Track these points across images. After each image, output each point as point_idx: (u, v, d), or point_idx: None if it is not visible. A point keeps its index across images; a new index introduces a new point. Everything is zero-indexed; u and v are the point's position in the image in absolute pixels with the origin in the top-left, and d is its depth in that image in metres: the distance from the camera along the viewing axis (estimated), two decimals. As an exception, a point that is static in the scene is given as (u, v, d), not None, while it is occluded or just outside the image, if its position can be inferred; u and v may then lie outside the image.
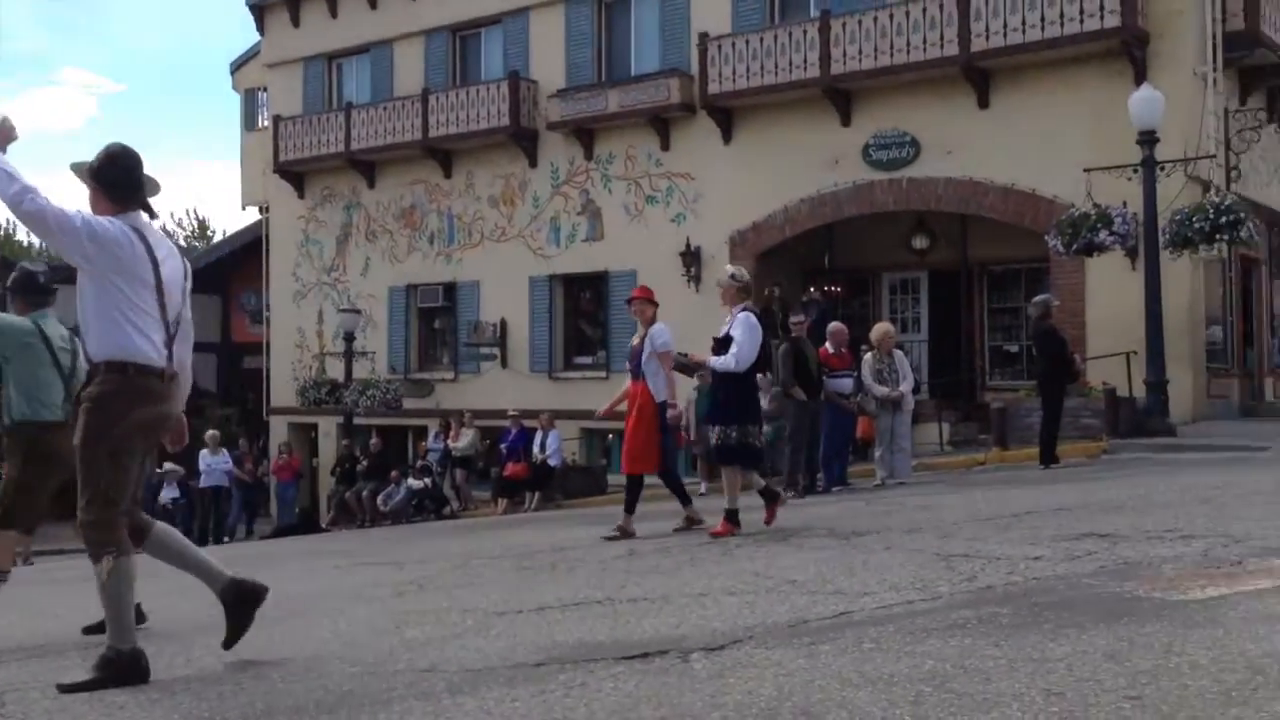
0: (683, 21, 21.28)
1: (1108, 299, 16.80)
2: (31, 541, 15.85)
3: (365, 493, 21.12)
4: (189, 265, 4.73)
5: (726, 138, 20.78)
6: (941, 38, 18.03)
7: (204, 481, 21.38)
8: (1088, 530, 6.62)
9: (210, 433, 22.47)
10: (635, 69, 22.15)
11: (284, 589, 7.54)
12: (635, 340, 9.31)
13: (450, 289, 24.73)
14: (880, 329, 13.61)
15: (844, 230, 20.59)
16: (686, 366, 9.01)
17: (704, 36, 20.39)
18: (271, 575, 8.90)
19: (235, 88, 31.35)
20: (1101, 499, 8.54)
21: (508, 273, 23.44)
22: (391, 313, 25.53)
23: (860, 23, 18.79)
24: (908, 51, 18.34)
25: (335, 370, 24.88)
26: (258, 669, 4.55)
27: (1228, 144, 17.56)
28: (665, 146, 21.54)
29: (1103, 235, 15.44)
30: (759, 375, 16.21)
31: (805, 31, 19.36)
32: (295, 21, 27.19)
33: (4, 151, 4.32)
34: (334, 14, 26.38)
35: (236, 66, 31.17)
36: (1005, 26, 17.50)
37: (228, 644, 4.65)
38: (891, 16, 18.48)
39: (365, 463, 21.82)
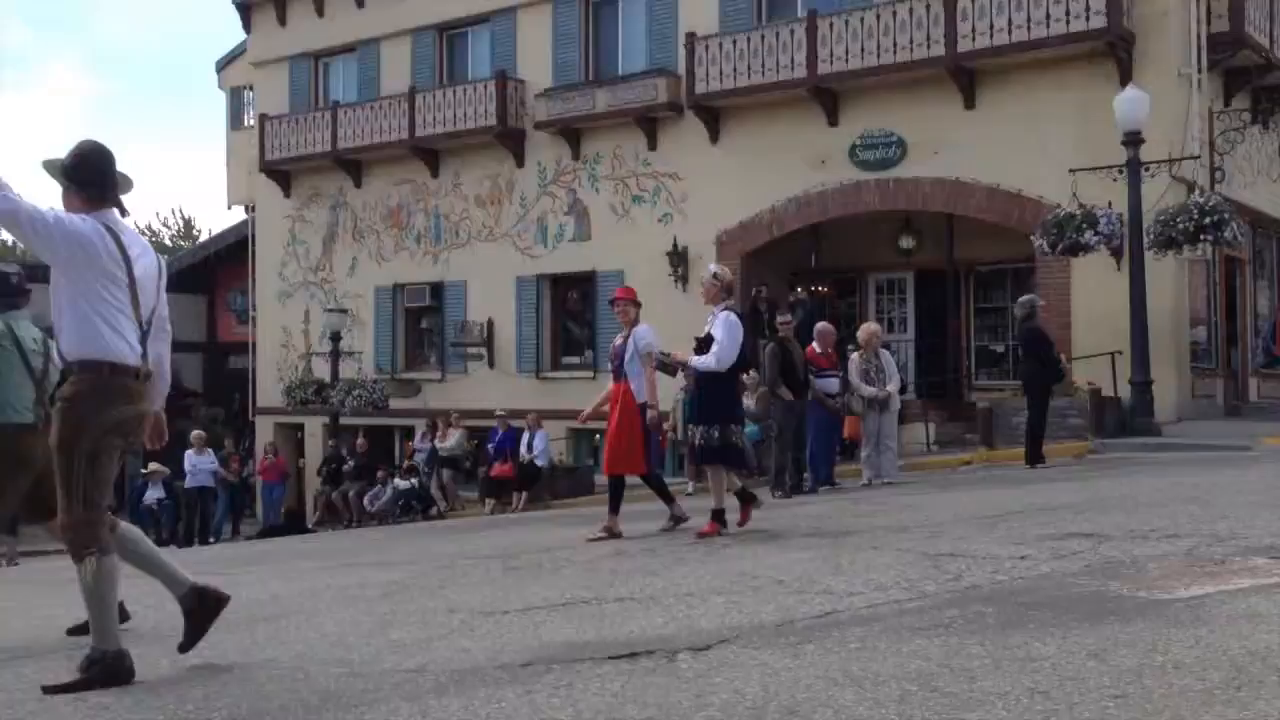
0: (670, 21, 21.29)
1: (1093, 299, 16.86)
2: (17, 543, 15.81)
3: (351, 493, 21.09)
4: (164, 262, 4.71)
5: (714, 138, 20.79)
6: (928, 38, 18.07)
7: (189, 482, 21.29)
8: (1073, 529, 6.65)
9: (196, 433, 22.39)
10: (622, 69, 22.15)
11: (270, 590, 7.52)
12: (618, 340, 9.31)
13: (437, 289, 24.69)
14: (867, 329, 13.65)
15: (831, 230, 20.61)
16: (668, 366, 9.00)
17: (691, 36, 20.40)
18: (257, 576, 8.89)
19: (221, 86, 31.27)
20: (1087, 498, 8.57)
21: (495, 272, 23.42)
22: (378, 312, 25.48)
23: (847, 23, 18.82)
24: (894, 52, 18.37)
25: (322, 370, 24.83)
26: (243, 670, 4.54)
27: (1212, 145, 17.64)
28: (652, 146, 21.55)
29: (1088, 235, 15.50)
30: (746, 375, 16.26)
31: (792, 31, 19.38)
32: (282, 20, 27.12)
33: None
34: (320, 13, 26.31)
35: (222, 65, 31.09)
36: (991, 27, 17.55)
37: (184, 648, 4.62)
38: (878, 17, 18.52)
39: (352, 463, 21.79)
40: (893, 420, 13.23)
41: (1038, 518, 7.49)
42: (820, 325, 13.73)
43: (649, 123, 21.41)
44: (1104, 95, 16.13)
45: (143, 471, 21.40)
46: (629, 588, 5.97)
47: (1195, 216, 14.99)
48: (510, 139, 23.06)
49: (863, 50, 18.59)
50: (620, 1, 22.26)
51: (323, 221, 26.46)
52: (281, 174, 26.83)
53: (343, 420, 23.61)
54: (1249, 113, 18.66)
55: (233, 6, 27.95)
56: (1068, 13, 16.91)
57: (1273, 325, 14.69)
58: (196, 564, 11.40)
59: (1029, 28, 17.26)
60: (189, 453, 21.33)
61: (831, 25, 18.94)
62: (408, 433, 24.02)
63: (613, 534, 8.84)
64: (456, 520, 17.95)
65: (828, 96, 19.38)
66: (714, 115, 20.66)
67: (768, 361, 12.58)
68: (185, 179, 72.88)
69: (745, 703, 3.39)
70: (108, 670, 4.26)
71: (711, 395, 8.51)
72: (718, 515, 8.36)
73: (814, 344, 13.20)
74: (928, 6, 18.02)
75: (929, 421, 17.74)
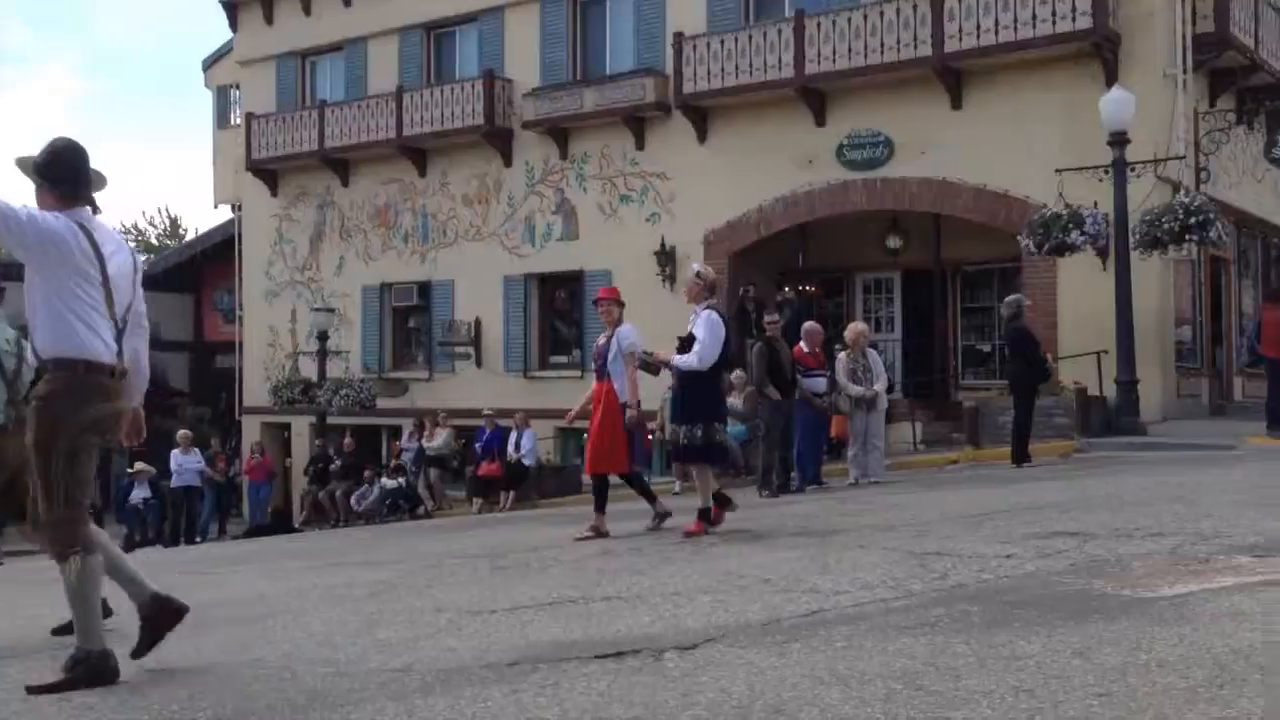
0: (658, 21, 21.29)
1: (1079, 299, 16.91)
2: (3, 543, 15.72)
3: (339, 493, 21.05)
4: (139, 258, 4.69)
5: (701, 137, 20.80)
6: (915, 38, 18.11)
7: (175, 481, 21.22)
8: (1059, 528, 6.67)
9: (182, 432, 22.31)
10: (610, 68, 22.15)
11: (256, 589, 7.51)
12: (601, 340, 9.32)
13: (425, 288, 24.65)
14: (854, 328, 13.67)
15: (818, 230, 20.65)
16: (650, 365, 9.01)
17: (679, 36, 20.41)
18: (243, 576, 8.87)
19: (208, 85, 31.17)
20: (1072, 497, 8.60)
21: (482, 272, 23.39)
22: (365, 312, 25.43)
23: (834, 23, 18.85)
24: (882, 52, 18.40)
25: (309, 369, 24.75)
26: (229, 669, 4.53)
27: (1197, 145, 17.71)
28: (640, 146, 21.55)
29: (1074, 235, 15.55)
30: (734, 374, 16.25)
31: (780, 32, 19.40)
32: (269, 19, 27.04)
33: None
34: (308, 11, 26.24)
35: (209, 64, 31.00)
36: (978, 28, 17.60)
37: (136, 654, 4.54)
38: (865, 17, 18.55)
39: (339, 462, 21.74)
40: (880, 419, 13.25)
41: (1023, 517, 7.51)
42: (807, 325, 13.74)
43: (637, 122, 21.41)
44: (1090, 96, 16.19)
45: (128, 471, 21.33)
46: (616, 587, 5.97)
47: (1180, 216, 15.05)
48: (498, 138, 23.04)
49: (850, 50, 18.62)
50: (608, 1, 22.26)
51: (310, 221, 26.39)
52: (268, 173, 26.75)
53: (330, 420, 23.55)
54: (1234, 113, 18.74)
55: (219, 5, 27.85)
56: (1054, 13, 16.97)
57: (1257, 325, 14.73)
58: (183, 564, 11.38)
59: (1015, 28, 17.31)
60: (175, 452, 21.26)
61: (819, 25, 18.97)
62: (395, 432, 23.98)
63: (600, 533, 8.85)
64: (444, 519, 17.92)
65: (815, 96, 19.41)
66: (701, 115, 20.68)
67: (755, 361, 12.59)
68: (171, 178, 72.73)
69: (731, 702, 3.40)
70: (92, 670, 4.25)
71: (694, 394, 8.52)
72: (704, 514, 8.38)
73: (801, 343, 13.21)
74: (915, 7, 18.06)
75: (916, 421, 17.79)
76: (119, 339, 4.42)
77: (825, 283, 22.00)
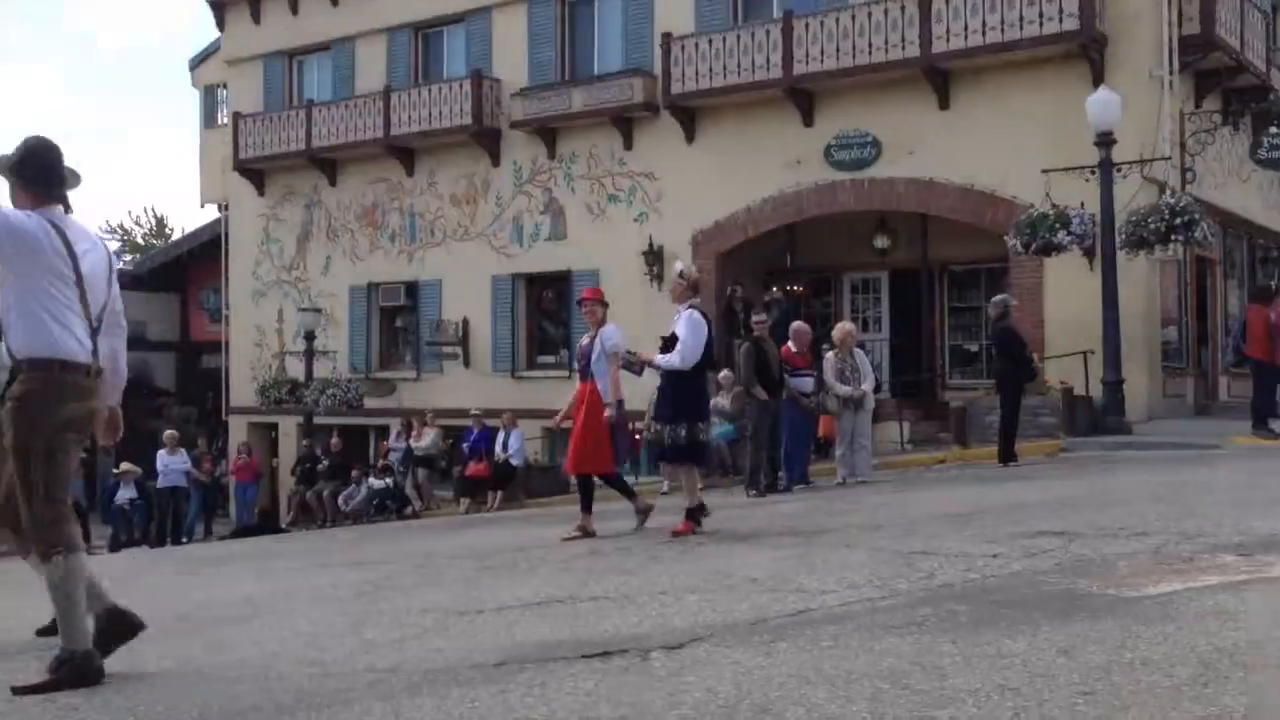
0: (646, 21, 21.28)
1: (1066, 299, 16.96)
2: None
3: (326, 493, 21.00)
4: (114, 257, 4.67)
5: (689, 137, 20.81)
6: (903, 39, 18.14)
7: (161, 482, 21.13)
8: (1044, 528, 6.69)
9: (168, 432, 22.24)
10: (598, 68, 22.13)
11: (243, 590, 7.49)
12: (585, 340, 9.33)
13: (412, 288, 24.61)
14: (842, 328, 13.68)
15: (806, 230, 20.67)
16: (633, 365, 9.01)
17: (667, 36, 20.40)
18: (230, 576, 8.85)
19: (195, 84, 31.06)
20: (1058, 496, 8.63)
21: (470, 272, 23.36)
22: (353, 311, 25.37)
23: (823, 24, 18.87)
24: (870, 53, 18.43)
25: (295, 369, 24.67)
26: (215, 669, 4.52)
27: (1183, 146, 17.77)
28: (628, 146, 21.54)
29: (1061, 236, 15.59)
30: (722, 374, 16.25)
31: (768, 32, 19.42)
32: (256, 18, 26.95)
33: None
34: (295, 11, 26.17)
35: (196, 63, 30.90)
36: (966, 29, 17.64)
37: None
38: (854, 18, 18.57)
39: (326, 462, 21.68)
40: (867, 419, 13.27)
41: (1009, 516, 7.54)
42: (795, 324, 13.76)
43: (625, 122, 21.41)
44: (1077, 96, 16.24)
45: (115, 472, 21.24)
46: (603, 587, 5.97)
47: (1166, 217, 15.10)
48: (486, 138, 23.01)
49: (838, 51, 18.65)
50: (596, 1, 22.24)
51: (297, 220, 26.32)
52: (255, 172, 26.67)
53: (317, 420, 23.48)
54: (1219, 114, 18.81)
55: (206, 4, 27.76)
56: (1041, 15, 17.02)
57: (1242, 325, 14.79)
58: (169, 564, 11.35)
59: (1003, 29, 17.36)
60: (161, 452, 21.19)
61: (807, 26, 18.99)
62: (382, 432, 23.91)
63: (587, 533, 8.86)
64: (431, 520, 17.90)
65: (803, 97, 19.43)
66: (690, 115, 20.68)
67: (743, 361, 12.61)
68: (158, 177, 72.46)
69: (718, 701, 3.40)
70: (77, 670, 4.23)
71: (678, 394, 8.53)
72: (692, 514, 8.38)
73: (789, 343, 13.23)
74: (903, 8, 18.10)
75: (903, 420, 17.81)
76: (94, 338, 4.40)
77: (813, 282, 22.02)
